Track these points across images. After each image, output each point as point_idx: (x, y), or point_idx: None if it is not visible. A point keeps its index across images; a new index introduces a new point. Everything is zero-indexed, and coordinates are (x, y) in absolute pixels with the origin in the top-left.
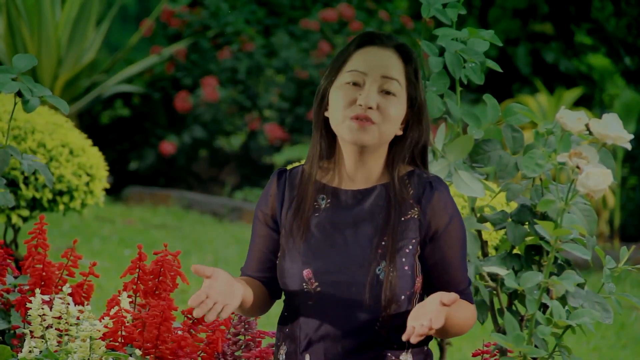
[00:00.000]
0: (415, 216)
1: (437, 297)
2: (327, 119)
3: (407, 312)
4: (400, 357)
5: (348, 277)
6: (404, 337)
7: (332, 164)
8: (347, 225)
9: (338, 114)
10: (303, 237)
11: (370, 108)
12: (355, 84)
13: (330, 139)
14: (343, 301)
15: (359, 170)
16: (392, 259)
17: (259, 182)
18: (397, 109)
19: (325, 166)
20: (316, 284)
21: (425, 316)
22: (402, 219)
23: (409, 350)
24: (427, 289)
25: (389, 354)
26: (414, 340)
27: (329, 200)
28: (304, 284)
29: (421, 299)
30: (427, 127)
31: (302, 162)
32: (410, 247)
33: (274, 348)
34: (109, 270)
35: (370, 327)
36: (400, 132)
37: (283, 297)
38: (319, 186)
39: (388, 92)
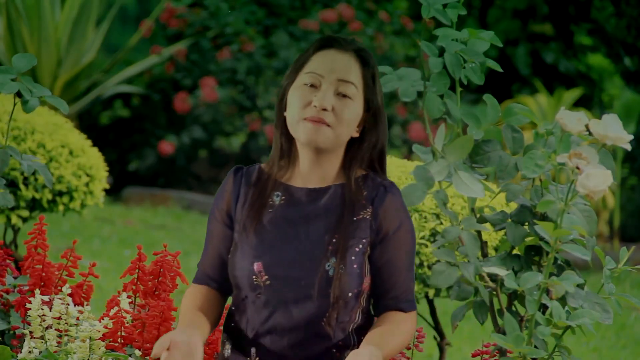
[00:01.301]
0: (367, 217)
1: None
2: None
3: (354, 311)
4: (345, 354)
5: (298, 272)
6: None
7: (289, 162)
8: (300, 222)
9: (294, 115)
10: (255, 232)
11: (325, 110)
12: (312, 85)
13: (290, 137)
14: (292, 295)
15: (314, 170)
16: (343, 256)
17: None
18: (353, 111)
19: (283, 164)
20: (266, 277)
21: None
22: (355, 218)
23: (354, 348)
24: (374, 291)
25: (334, 351)
26: None
27: (283, 197)
28: (254, 277)
29: (368, 300)
30: (384, 130)
31: None
32: (361, 246)
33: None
34: (109, 270)
35: (317, 322)
36: (356, 134)
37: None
38: (275, 183)
39: (344, 95)
